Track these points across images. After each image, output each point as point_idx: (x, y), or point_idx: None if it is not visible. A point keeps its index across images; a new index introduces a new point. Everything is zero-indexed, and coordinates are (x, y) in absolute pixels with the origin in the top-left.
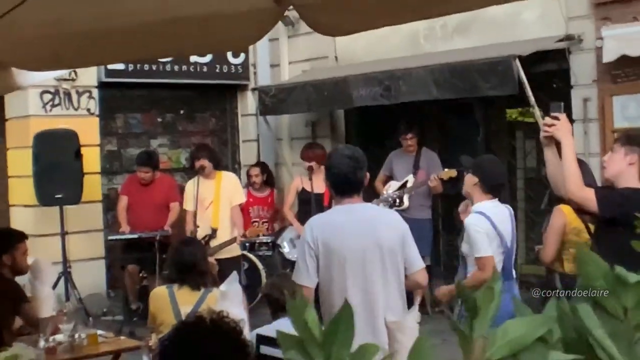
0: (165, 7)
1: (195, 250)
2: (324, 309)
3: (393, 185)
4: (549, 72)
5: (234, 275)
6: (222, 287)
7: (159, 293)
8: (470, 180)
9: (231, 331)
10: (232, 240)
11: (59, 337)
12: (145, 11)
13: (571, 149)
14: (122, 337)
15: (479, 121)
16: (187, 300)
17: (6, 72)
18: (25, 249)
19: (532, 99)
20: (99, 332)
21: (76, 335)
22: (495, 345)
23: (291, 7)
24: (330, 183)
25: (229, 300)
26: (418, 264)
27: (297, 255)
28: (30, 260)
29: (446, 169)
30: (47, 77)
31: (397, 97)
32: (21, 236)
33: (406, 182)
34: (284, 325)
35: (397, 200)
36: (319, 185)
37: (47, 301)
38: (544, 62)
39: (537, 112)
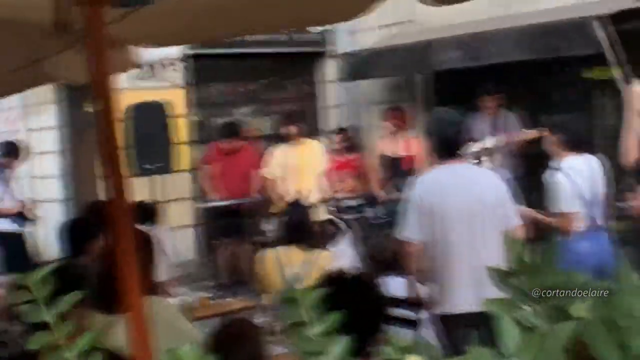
0: None
1: (304, 212)
2: (429, 264)
3: (473, 147)
4: (631, 30)
5: (347, 237)
6: (335, 248)
7: (268, 255)
8: (551, 139)
9: (371, 285)
10: (321, 200)
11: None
12: None
13: (629, 120)
14: (230, 299)
15: (562, 81)
16: (294, 261)
17: (125, 49)
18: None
19: (612, 59)
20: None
21: (190, 299)
22: None
23: None
24: (433, 146)
25: (343, 259)
26: (515, 221)
27: (403, 213)
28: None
29: (531, 129)
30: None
31: (481, 59)
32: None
33: (485, 143)
34: (387, 283)
35: (477, 162)
36: (399, 148)
37: (163, 266)
38: (626, 20)
39: (615, 71)
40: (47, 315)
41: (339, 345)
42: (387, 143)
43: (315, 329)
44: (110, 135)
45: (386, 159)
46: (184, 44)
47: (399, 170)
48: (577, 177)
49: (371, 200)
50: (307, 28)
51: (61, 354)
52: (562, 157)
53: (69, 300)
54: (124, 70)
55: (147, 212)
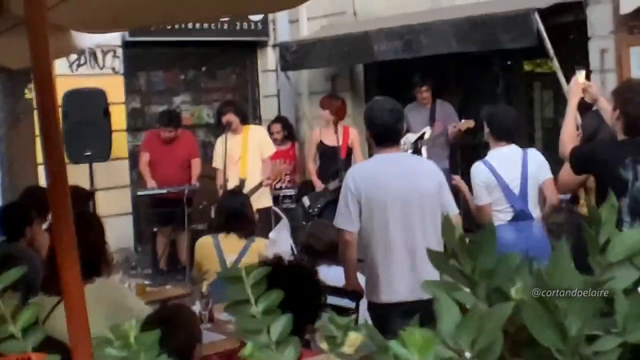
0: None
1: (243, 200)
2: (365, 252)
3: (410, 137)
4: (566, 23)
5: (284, 222)
6: (272, 234)
7: (205, 242)
8: (486, 130)
9: (309, 273)
10: (259, 185)
11: None
12: None
13: (573, 110)
14: (168, 287)
15: (498, 74)
16: (232, 249)
17: (65, 34)
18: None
19: (551, 51)
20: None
21: (125, 285)
22: (614, 249)
23: None
24: (371, 133)
25: (278, 247)
26: (453, 210)
27: (340, 201)
28: None
29: (464, 120)
30: (100, 40)
31: (418, 51)
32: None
33: (423, 134)
34: (323, 272)
35: (415, 152)
36: (332, 137)
37: None
38: (562, 14)
39: (555, 63)
40: None
41: (280, 323)
42: (324, 132)
43: (257, 307)
44: (51, 121)
45: (323, 148)
46: (120, 30)
47: (336, 159)
48: (501, 167)
49: (308, 190)
50: (248, 17)
51: (6, 328)
52: (494, 147)
53: (13, 274)
54: (63, 55)
55: (81, 197)
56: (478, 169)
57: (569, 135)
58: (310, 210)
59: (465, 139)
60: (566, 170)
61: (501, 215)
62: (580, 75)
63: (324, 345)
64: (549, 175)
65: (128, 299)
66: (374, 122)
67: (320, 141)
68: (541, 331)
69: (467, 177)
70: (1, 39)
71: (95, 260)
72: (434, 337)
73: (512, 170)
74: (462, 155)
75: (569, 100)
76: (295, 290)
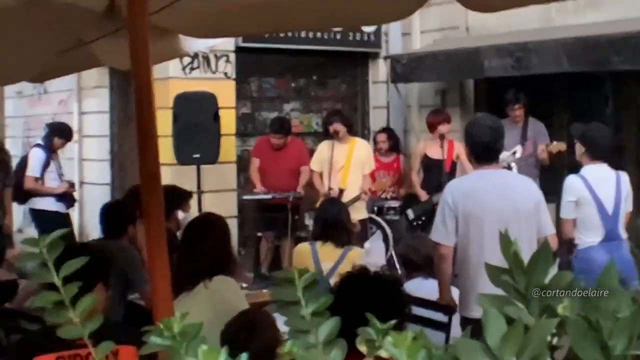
0: None
1: (340, 209)
2: (460, 268)
3: (502, 155)
4: None
5: (377, 234)
6: (367, 244)
7: (302, 249)
8: (579, 149)
9: (394, 284)
10: (357, 197)
11: None
12: None
13: None
14: (265, 291)
15: (607, 95)
16: (329, 257)
17: (173, 38)
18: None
19: None
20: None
21: None
22: None
23: None
24: (471, 150)
25: (373, 256)
26: (549, 229)
27: (436, 216)
28: (181, 216)
29: (555, 142)
30: (210, 44)
31: (528, 68)
32: (189, 194)
33: (514, 152)
34: (418, 285)
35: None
36: (439, 151)
37: None
38: None
39: None
40: (55, 278)
41: (328, 325)
42: (429, 145)
43: (307, 309)
44: (147, 123)
45: (428, 161)
46: (227, 37)
47: (441, 172)
48: (597, 184)
49: (412, 201)
50: (361, 28)
51: (65, 313)
52: (587, 165)
53: (75, 263)
54: (171, 58)
55: (180, 196)
56: (573, 183)
57: None
58: (414, 223)
59: (555, 161)
60: None
61: (590, 234)
62: None
63: (362, 349)
64: (630, 208)
65: (239, 300)
66: (473, 139)
67: (425, 154)
68: (584, 349)
69: (553, 197)
70: (111, 40)
71: (218, 260)
72: (422, 340)
73: (607, 189)
74: (551, 178)
75: None
76: (378, 300)
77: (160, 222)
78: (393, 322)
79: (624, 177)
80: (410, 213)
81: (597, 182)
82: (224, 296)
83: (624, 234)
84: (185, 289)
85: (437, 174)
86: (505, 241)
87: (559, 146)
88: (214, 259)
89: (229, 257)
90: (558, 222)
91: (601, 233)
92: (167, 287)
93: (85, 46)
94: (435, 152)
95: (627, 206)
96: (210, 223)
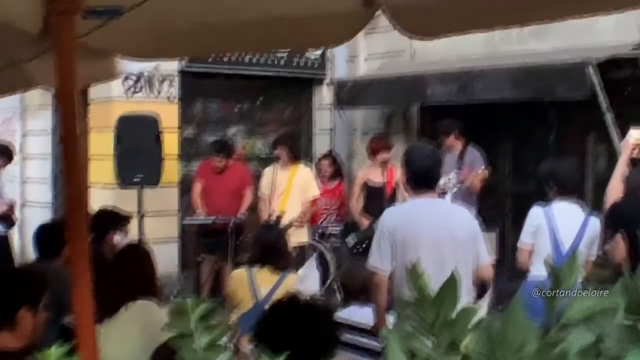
0: (259, 6)
1: (278, 234)
2: (396, 295)
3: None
4: (622, 78)
5: (312, 260)
6: (301, 270)
7: (239, 274)
8: (549, 188)
9: (324, 311)
10: (288, 226)
11: None
12: (241, 9)
13: (622, 165)
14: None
15: (551, 123)
16: (265, 282)
17: (110, 59)
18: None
19: (604, 105)
20: None
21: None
22: (572, 311)
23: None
24: (409, 177)
25: (308, 282)
26: (486, 259)
27: (373, 243)
28: (117, 240)
29: (481, 169)
30: (145, 66)
31: (472, 95)
32: (127, 219)
33: (450, 178)
34: (355, 311)
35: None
36: (380, 177)
37: None
38: (618, 68)
39: (609, 117)
40: None
41: (222, 358)
42: (370, 171)
43: (201, 341)
44: (72, 146)
45: (369, 187)
46: (170, 58)
47: (382, 198)
48: (561, 217)
49: (352, 228)
50: (306, 53)
51: None
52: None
53: None
54: (111, 79)
55: (117, 219)
56: (534, 212)
57: (613, 190)
58: (354, 250)
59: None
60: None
61: (541, 266)
62: (636, 132)
63: None
64: (593, 256)
65: (164, 321)
66: (411, 166)
67: (366, 180)
68: None
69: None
70: (44, 60)
71: (142, 288)
72: None
73: (569, 226)
74: (494, 204)
75: (620, 155)
76: (307, 328)
77: (85, 248)
78: None
79: (594, 221)
80: (350, 240)
81: (560, 216)
82: (147, 319)
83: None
84: (108, 314)
85: (378, 200)
86: (414, 273)
87: (482, 174)
88: (140, 287)
89: (154, 286)
90: (500, 249)
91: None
92: (90, 316)
93: (21, 67)
94: (376, 178)
95: (590, 252)
96: (138, 252)
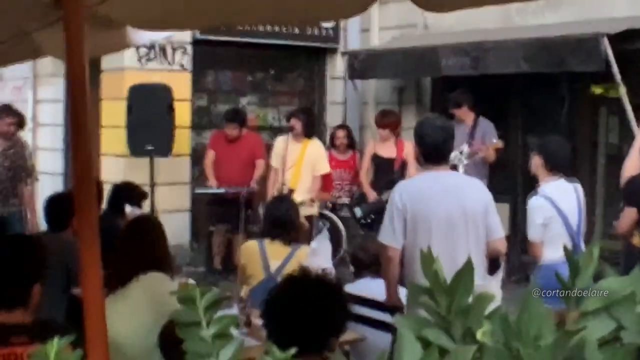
0: None
1: (289, 207)
2: (408, 270)
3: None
4: (636, 50)
5: (325, 232)
6: (313, 243)
7: (250, 246)
8: (535, 161)
9: (335, 286)
10: (301, 203)
11: None
12: None
13: (639, 145)
14: (214, 288)
15: (563, 96)
16: (277, 255)
17: (121, 30)
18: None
19: (618, 77)
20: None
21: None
22: (590, 299)
23: None
24: (420, 150)
25: (319, 256)
26: (499, 232)
27: (385, 217)
28: (129, 210)
29: (495, 140)
30: (157, 37)
31: (485, 68)
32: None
33: (461, 151)
34: (366, 284)
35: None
36: (389, 150)
37: None
38: (632, 40)
39: (622, 89)
40: None
41: (230, 349)
42: (379, 144)
43: (208, 331)
44: (81, 117)
45: (378, 160)
46: (181, 30)
47: (391, 171)
48: (561, 200)
49: (362, 200)
50: (320, 23)
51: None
52: (545, 180)
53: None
54: (122, 49)
55: (133, 193)
56: (540, 205)
57: (630, 167)
58: (362, 221)
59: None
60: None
61: (556, 250)
62: None
63: None
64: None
65: (173, 298)
66: (423, 139)
67: (375, 153)
68: None
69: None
70: (52, 30)
71: (153, 260)
72: None
73: (570, 204)
74: (505, 175)
75: (637, 135)
76: (320, 302)
77: (93, 219)
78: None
79: (580, 188)
80: (358, 211)
81: (561, 200)
82: (156, 291)
83: (584, 246)
84: (119, 286)
85: (386, 173)
86: (426, 259)
87: (496, 144)
88: (149, 259)
89: (165, 259)
90: (512, 221)
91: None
92: (98, 287)
93: (31, 36)
94: (383, 151)
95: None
96: (148, 225)
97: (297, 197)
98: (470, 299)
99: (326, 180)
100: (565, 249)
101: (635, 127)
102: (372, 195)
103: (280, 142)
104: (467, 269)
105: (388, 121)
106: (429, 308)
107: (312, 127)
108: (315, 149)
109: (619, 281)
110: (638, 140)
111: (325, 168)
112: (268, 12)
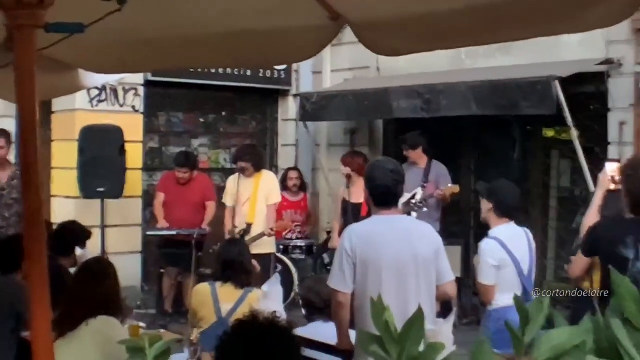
0: (226, 20)
1: (241, 250)
2: (359, 315)
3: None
4: (587, 94)
5: (276, 276)
6: (265, 287)
7: (202, 289)
8: (485, 206)
9: (286, 330)
10: (261, 234)
11: None
12: (207, 24)
13: (598, 200)
14: (162, 331)
15: (515, 139)
16: (228, 298)
17: (73, 73)
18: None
19: (570, 120)
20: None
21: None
22: (541, 349)
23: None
24: (370, 194)
25: (270, 299)
26: (449, 276)
27: (334, 262)
28: (79, 253)
29: (450, 185)
30: (110, 79)
31: (437, 111)
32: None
33: (415, 194)
34: (318, 327)
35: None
36: (357, 194)
37: None
38: (583, 84)
39: (574, 133)
40: None
41: None
42: (348, 189)
43: None
44: (31, 160)
45: (345, 205)
46: (134, 72)
47: (358, 216)
48: (512, 245)
49: (317, 243)
50: (273, 66)
51: None
52: (496, 224)
53: None
54: (74, 91)
55: (78, 235)
56: (492, 248)
57: (591, 223)
58: (329, 267)
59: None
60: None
61: (507, 295)
62: (610, 167)
63: None
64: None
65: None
66: (374, 183)
67: (344, 198)
68: None
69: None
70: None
71: (105, 304)
72: None
73: (521, 249)
74: (457, 219)
75: (596, 191)
76: (271, 347)
77: (42, 261)
78: None
79: (530, 233)
80: (326, 257)
81: (512, 244)
82: (106, 336)
83: (533, 293)
84: (69, 330)
85: (355, 217)
86: (377, 307)
87: (452, 189)
88: (101, 302)
89: (116, 301)
90: (464, 264)
91: (518, 293)
92: (47, 331)
93: None
94: (352, 195)
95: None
96: (100, 267)
97: (257, 229)
98: (421, 347)
99: (277, 215)
100: (515, 297)
101: (586, 170)
102: (336, 240)
103: (231, 181)
104: (417, 318)
105: (354, 161)
106: (379, 357)
107: (261, 160)
108: (269, 179)
109: (569, 331)
110: (596, 199)
111: (277, 197)
112: (222, 57)
